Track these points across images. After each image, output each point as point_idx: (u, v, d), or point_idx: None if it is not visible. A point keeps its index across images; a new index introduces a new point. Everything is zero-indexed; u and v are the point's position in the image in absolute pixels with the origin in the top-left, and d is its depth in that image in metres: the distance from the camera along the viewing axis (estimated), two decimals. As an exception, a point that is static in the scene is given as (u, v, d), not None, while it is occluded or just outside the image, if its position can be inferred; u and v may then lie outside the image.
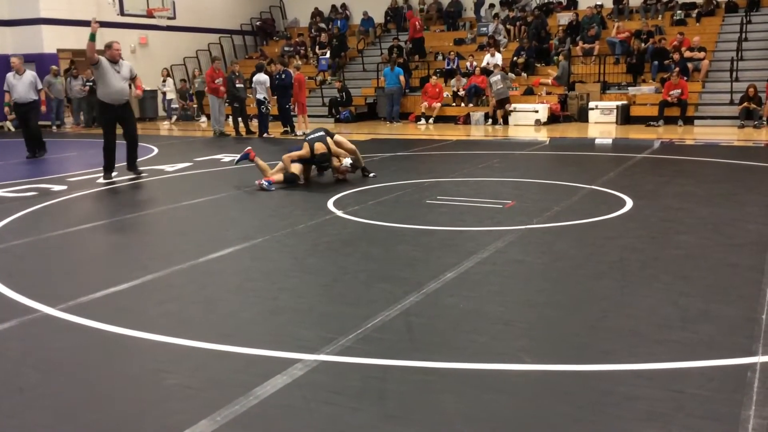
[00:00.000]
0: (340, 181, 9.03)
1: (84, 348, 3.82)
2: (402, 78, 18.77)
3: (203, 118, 20.59)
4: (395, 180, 9.15)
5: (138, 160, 10.40)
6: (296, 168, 8.72)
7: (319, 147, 8.60)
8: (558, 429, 2.86)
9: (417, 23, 21.79)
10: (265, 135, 16.08)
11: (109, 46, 9.86)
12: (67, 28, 20.05)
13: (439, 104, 18.53)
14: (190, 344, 3.78)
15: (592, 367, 3.40)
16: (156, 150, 13.64)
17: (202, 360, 3.61)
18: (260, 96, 15.89)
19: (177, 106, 21.93)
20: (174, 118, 21.04)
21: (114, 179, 9.88)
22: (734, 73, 16.67)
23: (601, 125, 16.56)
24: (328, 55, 22.39)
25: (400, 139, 15.11)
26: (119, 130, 9.88)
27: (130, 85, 9.95)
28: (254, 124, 16.87)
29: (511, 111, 17.47)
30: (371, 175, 9.30)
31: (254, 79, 16.06)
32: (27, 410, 3.13)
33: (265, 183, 8.56)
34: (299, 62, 18.50)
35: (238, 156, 9.32)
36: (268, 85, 15.85)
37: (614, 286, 4.65)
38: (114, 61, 9.66)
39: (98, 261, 5.85)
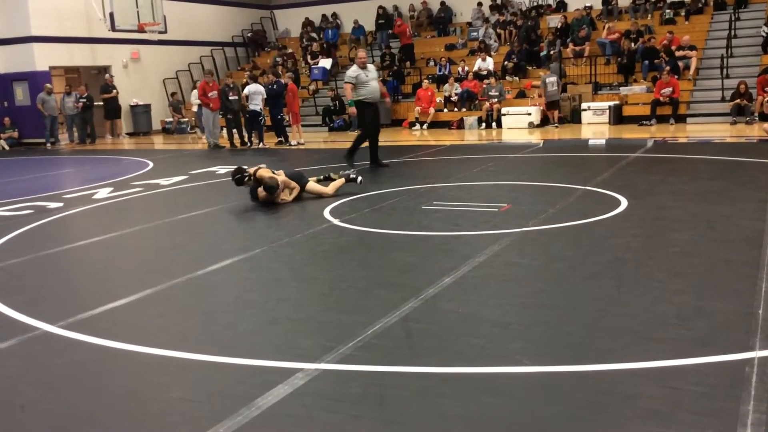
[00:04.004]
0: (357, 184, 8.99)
1: (84, 364, 3.83)
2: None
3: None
4: (391, 187, 9.18)
5: (141, 172, 10.43)
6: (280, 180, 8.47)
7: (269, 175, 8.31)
8: (558, 430, 2.88)
9: (407, 30, 21.89)
10: (261, 145, 16.10)
11: (355, 56, 11.76)
12: (58, 46, 20.10)
13: (433, 109, 18.61)
14: (190, 357, 3.80)
15: (590, 367, 3.42)
16: (151, 164, 13.65)
17: (203, 372, 3.62)
18: (256, 107, 15.79)
19: (172, 119, 22.01)
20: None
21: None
22: (724, 70, 16.75)
23: (594, 126, 16.63)
24: (320, 63, 22.46)
25: (394, 145, 15.13)
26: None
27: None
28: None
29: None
30: (358, 180, 9.00)
31: (249, 89, 15.87)
32: (28, 427, 3.14)
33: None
34: (290, 73, 18.57)
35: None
36: (265, 95, 15.81)
37: (610, 285, 4.67)
38: (363, 67, 11.09)
39: (96, 277, 5.86)
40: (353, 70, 11.13)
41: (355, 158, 11.35)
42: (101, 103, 20.95)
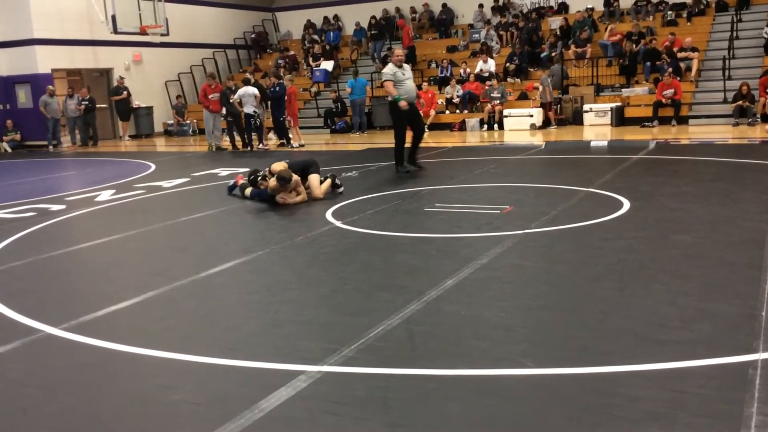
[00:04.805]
0: (335, 192, 8.98)
1: (87, 366, 3.83)
2: (367, 88, 18.91)
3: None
4: (393, 189, 9.18)
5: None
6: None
7: (284, 167, 8.51)
8: (561, 432, 2.88)
9: (410, 32, 21.92)
10: (261, 147, 16.11)
11: (391, 54, 11.48)
12: (60, 48, 20.12)
13: (433, 111, 18.61)
14: (193, 359, 3.80)
15: (593, 369, 3.41)
16: (153, 166, 13.66)
17: (206, 375, 3.62)
18: (249, 110, 15.77)
19: (172, 121, 22.04)
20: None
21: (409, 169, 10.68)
22: (726, 72, 16.74)
23: (596, 127, 16.62)
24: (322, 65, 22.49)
25: (396, 147, 15.11)
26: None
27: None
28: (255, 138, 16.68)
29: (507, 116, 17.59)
30: (340, 189, 8.96)
31: (242, 92, 15.77)
32: (31, 430, 3.14)
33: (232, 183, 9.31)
34: (291, 75, 18.58)
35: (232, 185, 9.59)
36: (258, 95, 15.76)
37: (613, 287, 4.66)
38: (399, 65, 10.73)
39: (99, 279, 5.87)
40: (390, 68, 10.74)
41: (416, 160, 11.00)
42: (105, 105, 20.99)
